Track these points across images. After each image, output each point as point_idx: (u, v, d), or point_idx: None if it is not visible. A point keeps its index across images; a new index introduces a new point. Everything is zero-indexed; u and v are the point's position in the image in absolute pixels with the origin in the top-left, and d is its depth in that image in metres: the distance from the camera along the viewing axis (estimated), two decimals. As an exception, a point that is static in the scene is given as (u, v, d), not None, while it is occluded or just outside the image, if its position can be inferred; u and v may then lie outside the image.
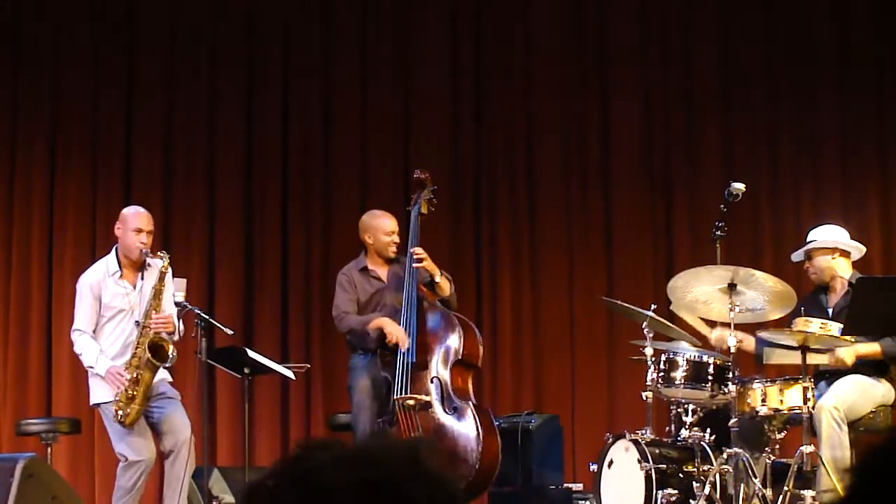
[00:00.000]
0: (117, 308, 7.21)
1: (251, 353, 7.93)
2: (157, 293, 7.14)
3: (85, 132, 9.79)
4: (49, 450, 8.15)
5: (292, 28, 10.10)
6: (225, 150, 9.94)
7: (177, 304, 7.22)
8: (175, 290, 7.25)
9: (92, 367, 7.14)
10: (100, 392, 7.20)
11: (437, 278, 7.80)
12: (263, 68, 10.07)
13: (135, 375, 7.01)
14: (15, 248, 9.64)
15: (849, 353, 7.09)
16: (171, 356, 7.04)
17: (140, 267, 7.28)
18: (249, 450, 8.20)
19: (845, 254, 7.49)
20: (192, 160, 9.91)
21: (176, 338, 7.18)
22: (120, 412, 7.00)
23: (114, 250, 7.36)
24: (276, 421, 9.67)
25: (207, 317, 7.44)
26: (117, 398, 7.02)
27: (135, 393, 7.01)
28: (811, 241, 7.54)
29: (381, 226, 7.93)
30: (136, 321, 7.16)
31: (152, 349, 7.00)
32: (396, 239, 7.89)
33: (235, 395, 9.15)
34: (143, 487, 7.10)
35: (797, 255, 7.63)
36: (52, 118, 9.78)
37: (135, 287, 7.25)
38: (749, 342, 7.41)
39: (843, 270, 7.47)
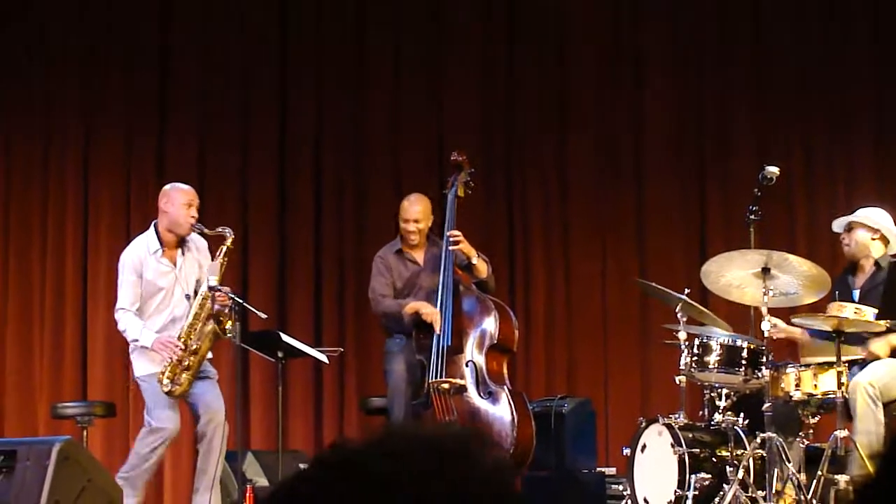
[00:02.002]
0: (159, 286, 7.21)
1: (285, 337, 7.93)
2: (222, 267, 7.17)
3: (118, 121, 9.81)
4: (84, 433, 8.18)
5: (325, 16, 10.11)
6: (258, 136, 9.95)
7: (210, 287, 7.22)
8: (209, 274, 7.26)
9: (136, 341, 7.13)
10: (142, 365, 7.22)
11: (475, 260, 7.80)
12: (296, 59, 10.07)
13: (194, 346, 7.04)
14: (50, 233, 9.67)
15: (882, 346, 7.07)
16: (230, 329, 7.08)
17: (179, 244, 7.30)
18: (283, 433, 8.22)
19: (885, 240, 7.47)
20: (226, 148, 9.92)
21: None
22: (167, 381, 7.00)
23: (152, 227, 7.33)
24: (309, 405, 9.70)
25: (241, 301, 7.45)
26: (166, 368, 7.01)
27: (190, 363, 7.03)
28: (857, 214, 7.53)
29: (401, 211, 7.95)
30: (187, 294, 7.18)
31: (216, 321, 7.05)
32: (412, 227, 7.85)
33: (269, 379, 9.18)
34: (157, 462, 7.12)
35: (838, 224, 7.60)
36: (84, 107, 9.80)
37: (175, 265, 7.27)
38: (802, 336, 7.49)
39: (876, 253, 7.45)
